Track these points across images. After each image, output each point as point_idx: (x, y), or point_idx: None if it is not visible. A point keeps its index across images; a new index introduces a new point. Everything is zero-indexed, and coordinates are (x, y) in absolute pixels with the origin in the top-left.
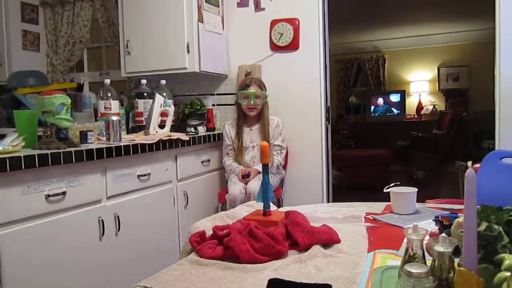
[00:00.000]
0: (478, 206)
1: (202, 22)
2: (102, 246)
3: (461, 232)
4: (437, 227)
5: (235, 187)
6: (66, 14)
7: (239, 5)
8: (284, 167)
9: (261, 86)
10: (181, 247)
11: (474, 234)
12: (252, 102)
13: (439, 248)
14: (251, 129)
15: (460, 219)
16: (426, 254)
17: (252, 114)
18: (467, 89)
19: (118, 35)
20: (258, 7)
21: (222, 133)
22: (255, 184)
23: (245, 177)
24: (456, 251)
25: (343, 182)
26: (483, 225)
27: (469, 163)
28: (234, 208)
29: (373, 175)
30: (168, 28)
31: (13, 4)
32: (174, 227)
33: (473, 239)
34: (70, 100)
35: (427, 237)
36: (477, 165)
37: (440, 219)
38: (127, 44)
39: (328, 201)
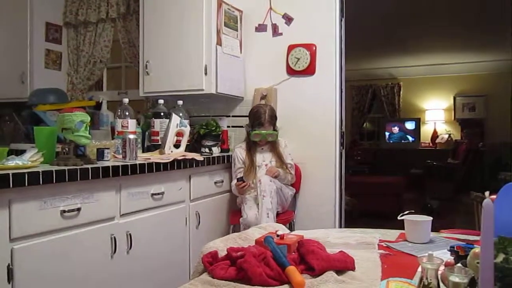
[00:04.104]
0: (495, 238)
1: (221, 45)
2: (114, 263)
3: (478, 263)
4: (452, 257)
5: (251, 212)
6: (88, 34)
7: (257, 29)
8: (297, 188)
9: (273, 122)
10: (192, 266)
11: (490, 265)
12: (263, 139)
13: (454, 278)
14: (262, 148)
15: (477, 249)
16: (441, 284)
17: (261, 144)
18: (484, 119)
19: (137, 55)
20: (276, 32)
21: (232, 157)
22: (266, 179)
23: (240, 180)
24: (472, 283)
25: (355, 208)
26: (500, 257)
27: (487, 193)
28: (247, 229)
29: (386, 203)
30: (187, 50)
31: (38, 24)
32: (186, 246)
33: (490, 271)
34: (89, 118)
35: (442, 267)
36: (493, 196)
37: (455, 249)
38: (146, 64)
39: (340, 227)
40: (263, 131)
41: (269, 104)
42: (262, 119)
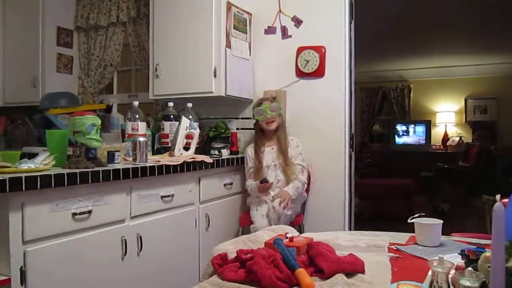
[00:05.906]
0: (506, 242)
1: (230, 47)
2: (124, 266)
3: (489, 267)
4: (463, 261)
5: (263, 221)
6: (99, 38)
7: (267, 32)
8: (307, 191)
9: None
10: (202, 269)
11: (502, 269)
12: (268, 115)
13: (465, 282)
14: (272, 148)
15: (488, 253)
16: None
17: (270, 128)
18: (495, 122)
19: (147, 59)
20: (285, 35)
21: (244, 157)
22: (282, 209)
23: (263, 182)
24: (483, 287)
25: (365, 211)
26: None
27: (498, 197)
28: (256, 232)
29: (396, 205)
30: (196, 53)
31: (50, 29)
32: (195, 249)
33: (501, 275)
34: (100, 121)
35: (453, 271)
36: (505, 200)
37: (466, 253)
38: (156, 67)
39: (350, 229)
40: (265, 105)
41: None
42: (262, 100)
